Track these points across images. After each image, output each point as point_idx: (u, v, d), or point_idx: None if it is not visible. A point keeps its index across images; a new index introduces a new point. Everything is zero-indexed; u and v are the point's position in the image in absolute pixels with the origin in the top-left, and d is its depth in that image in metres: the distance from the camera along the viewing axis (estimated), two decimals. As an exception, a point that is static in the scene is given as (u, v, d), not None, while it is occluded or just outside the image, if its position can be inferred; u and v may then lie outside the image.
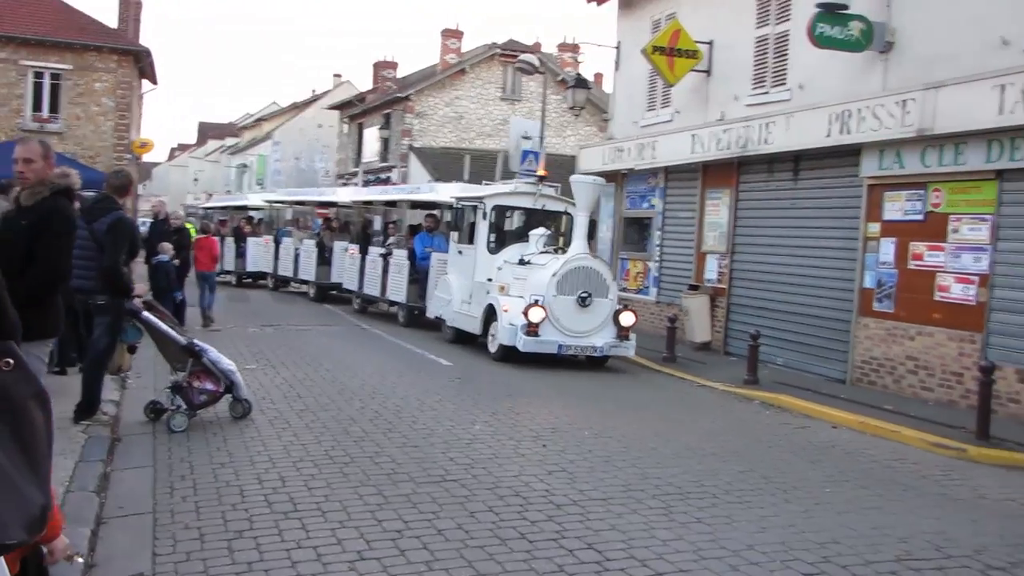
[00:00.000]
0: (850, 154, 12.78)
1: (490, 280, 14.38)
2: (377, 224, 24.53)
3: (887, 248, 12.20)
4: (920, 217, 11.72)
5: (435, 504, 6.12)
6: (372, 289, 19.29)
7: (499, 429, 8.65)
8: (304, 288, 24.25)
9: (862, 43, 12.47)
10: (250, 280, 26.93)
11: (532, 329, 12.74)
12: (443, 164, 32.37)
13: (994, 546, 5.94)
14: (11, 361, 2.41)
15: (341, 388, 10.28)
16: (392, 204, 22.95)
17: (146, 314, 7.80)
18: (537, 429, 8.78)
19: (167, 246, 13.52)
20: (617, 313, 13.30)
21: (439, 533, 5.53)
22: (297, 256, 23.83)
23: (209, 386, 8.07)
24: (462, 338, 15.03)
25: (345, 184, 39.75)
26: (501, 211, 15.52)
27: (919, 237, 11.70)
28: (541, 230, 14.39)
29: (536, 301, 12.80)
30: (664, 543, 5.58)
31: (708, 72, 16.68)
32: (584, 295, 13.04)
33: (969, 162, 10.92)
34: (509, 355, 13.15)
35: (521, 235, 15.00)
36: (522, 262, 13.81)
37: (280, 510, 5.84)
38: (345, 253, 20.95)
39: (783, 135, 13.90)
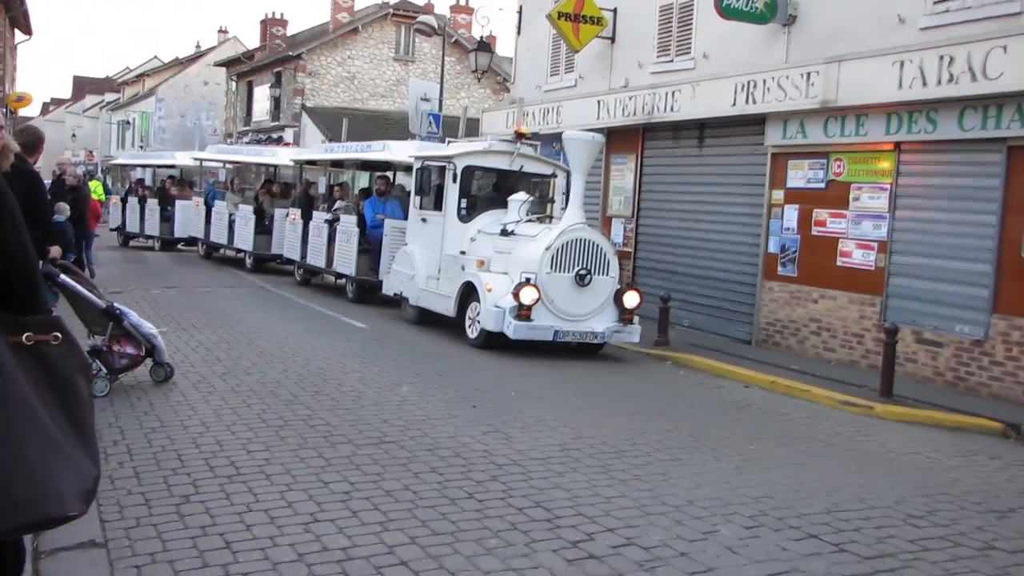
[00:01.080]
0: (755, 123, 13.16)
1: (463, 253, 12.44)
2: (321, 186, 21.34)
3: (791, 215, 12.67)
4: (822, 185, 12.20)
5: (378, 466, 6.13)
6: (316, 260, 17.00)
7: (426, 391, 8.68)
8: (240, 256, 21.32)
9: (766, 15, 12.81)
10: (177, 248, 24.45)
11: (524, 312, 10.85)
12: (337, 124, 31.86)
13: (911, 497, 6.32)
14: (59, 335, 2.38)
15: (260, 351, 10.12)
16: (338, 164, 20.19)
17: (63, 277, 7.51)
18: (463, 390, 8.86)
19: (63, 206, 12.95)
20: (619, 293, 11.48)
21: (388, 494, 5.55)
22: (232, 222, 20.99)
23: (130, 350, 7.85)
24: (428, 319, 13.12)
25: (234, 143, 38.69)
26: (472, 173, 13.42)
27: (821, 204, 12.18)
28: (522, 195, 12.44)
29: (528, 280, 10.88)
30: (608, 500, 5.75)
31: (612, 39, 16.87)
32: (582, 272, 11.18)
33: (870, 134, 11.41)
34: (490, 341, 11.34)
35: (495, 201, 13.09)
36: (505, 232, 11.85)
37: (223, 474, 5.76)
38: (286, 219, 18.78)
39: (689, 103, 14.20)
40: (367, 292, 15.51)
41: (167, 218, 24.24)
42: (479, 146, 13.57)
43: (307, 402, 7.84)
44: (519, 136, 13.06)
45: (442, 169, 13.14)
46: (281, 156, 22.04)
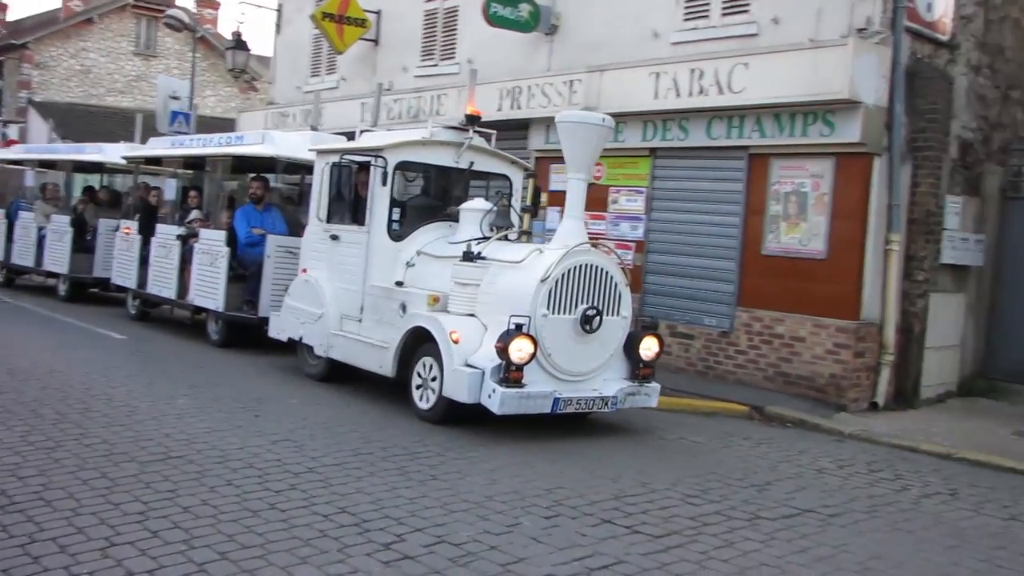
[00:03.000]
0: (520, 128, 13.62)
1: (400, 284, 9.01)
2: (169, 192, 17.16)
3: (553, 216, 13.20)
4: (584, 189, 12.79)
5: (169, 483, 5.87)
6: (162, 288, 13.12)
7: (204, 402, 8.38)
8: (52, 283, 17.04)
9: (531, 24, 13.32)
10: None
11: (514, 375, 7.52)
12: (70, 121, 29.78)
13: (685, 478, 6.86)
14: None
15: (10, 369, 9.35)
16: (200, 166, 14.64)
17: None
18: (242, 400, 8.62)
19: None
20: (634, 339, 8.31)
21: (186, 511, 5.35)
22: (42, 238, 16.65)
23: None
24: (341, 374, 9.65)
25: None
26: (407, 172, 10.07)
27: (583, 207, 12.77)
28: (480, 202, 9.26)
29: (519, 326, 7.48)
30: (411, 500, 5.83)
31: (376, 41, 16.91)
32: (590, 313, 7.88)
33: (628, 140, 12.13)
34: (451, 414, 8.08)
35: (431, 211, 9.81)
36: (469, 256, 8.35)
37: (-5, 503, 5.32)
38: (116, 234, 14.79)
39: (455, 107, 14.46)
40: (241, 331, 11.88)
41: None
42: (416, 135, 9.65)
43: (76, 420, 7.33)
44: (471, 121, 9.61)
45: (363, 167, 9.45)
46: (109, 153, 16.43)
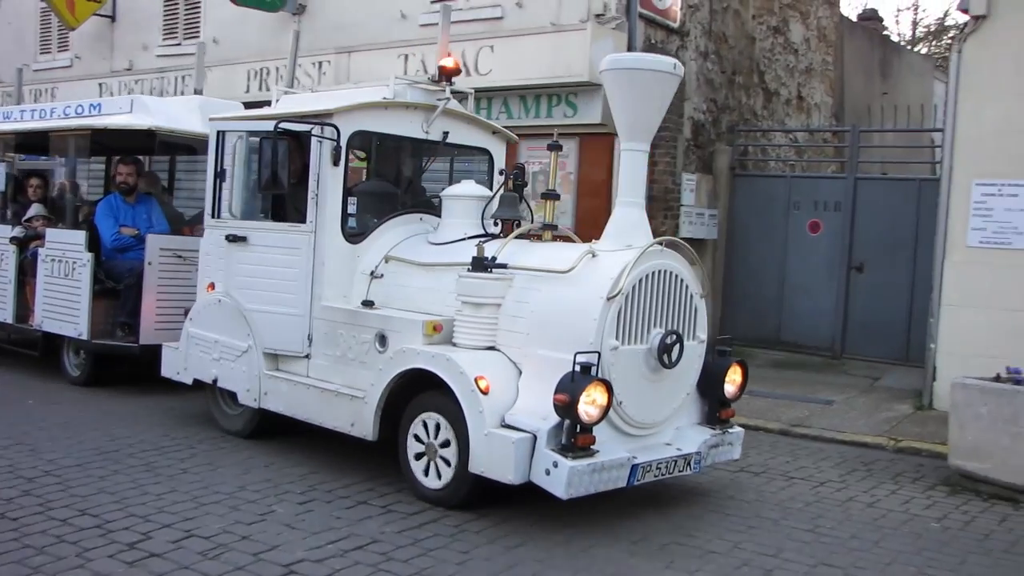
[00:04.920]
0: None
1: (369, 305, 6.45)
2: None
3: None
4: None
5: None
6: None
7: (-76, 410, 7.70)
8: None
9: (277, 4, 13.04)
10: None
11: (584, 440, 5.15)
12: None
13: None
14: None
15: None
16: (40, 146, 11.06)
17: None
18: (-28, 406, 7.98)
19: None
20: (714, 371, 6.14)
21: (-101, 529, 4.92)
22: None
23: None
24: (283, 426, 7.07)
25: None
26: (364, 146, 7.39)
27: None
28: (471, 186, 6.79)
29: (585, 367, 5.09)
30: (159, 496, 5.63)
31: (113, 18, 16.03)
32: (669, 341, 5.60)
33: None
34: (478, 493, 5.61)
35: (392, 201, 7.26)
36: (482, 264, 5.81)
37: None
38: None
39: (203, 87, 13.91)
40: (109, 365, 9.14)
41: None
42: (375, 95, 6.94)
43: None
44: (446, 76, 7.05)
45: (299, 141, 6.73)
46: None
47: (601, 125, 10.44)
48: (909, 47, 27.03)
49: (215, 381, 7.28)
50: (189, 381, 7.58)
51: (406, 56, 11.48)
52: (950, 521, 5.93)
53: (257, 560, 4.68)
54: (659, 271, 5.66)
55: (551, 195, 6.30)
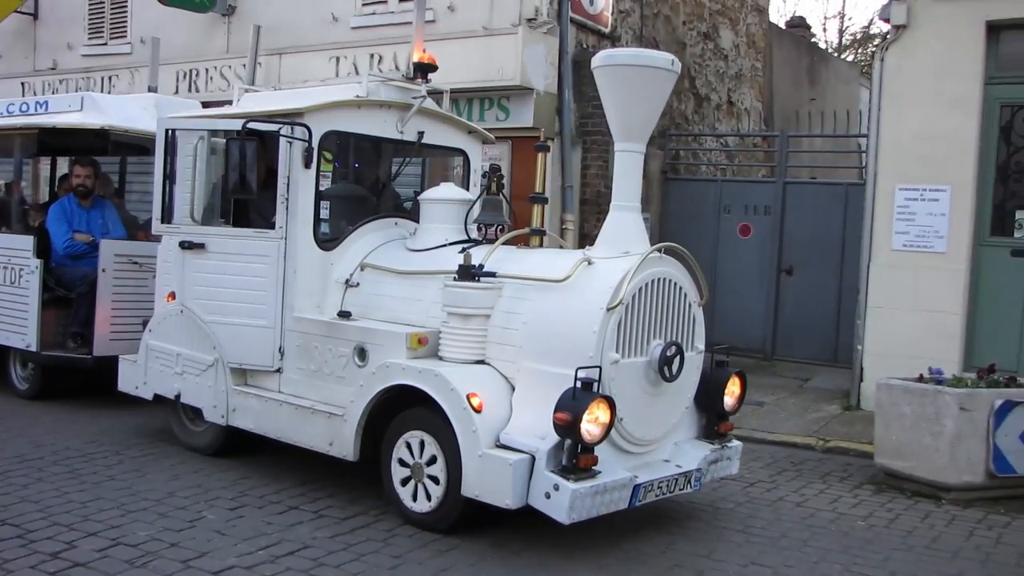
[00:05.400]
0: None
1: (346, 316, 6.07)
2: None
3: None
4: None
5: None
6: None
7: None
8: None
9: (206, 4, 12.86)
10: None
11: (586, 461, 4.86)
12: None
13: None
14: None
15: None
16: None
17: None
18: None
19: None
20: (713, 382, 5.87)
21: None
22: None
23: None
24: (250, 443, 6.68)
25: None
26: (335, 147, 7.17)
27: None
28: (450, 190, 6.55)
29: (588, 383, 4.80)
30: (84, 504, 5.51)
31: (35, 16, 15.61)
32: (670, 353, 5.35)
33: (313, 124, 12.03)
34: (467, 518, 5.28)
35: (362, 203, 7.05)
36: (469, 272, 5.52)
37: None
38: None
39: (128, 88, 13.69)
40: (61, 376, 8.65)
41: None
42: (347, 94, 6.65)
43: None
44: (421, 72, 6.73)
45: (263, 142, 6.27)
46: None
47: (533, 129, 10.47)
48: (836, 54, 27.67)
49: (178, 397, 6.83)
50: (149, 396, 7.10)
51: (337, 59, 11.41)
52: (875, 519, 6.06)
53: (186, 567, 4.60)
54: (661, 279, 5.40)
55: (539, 199, 6.14)
